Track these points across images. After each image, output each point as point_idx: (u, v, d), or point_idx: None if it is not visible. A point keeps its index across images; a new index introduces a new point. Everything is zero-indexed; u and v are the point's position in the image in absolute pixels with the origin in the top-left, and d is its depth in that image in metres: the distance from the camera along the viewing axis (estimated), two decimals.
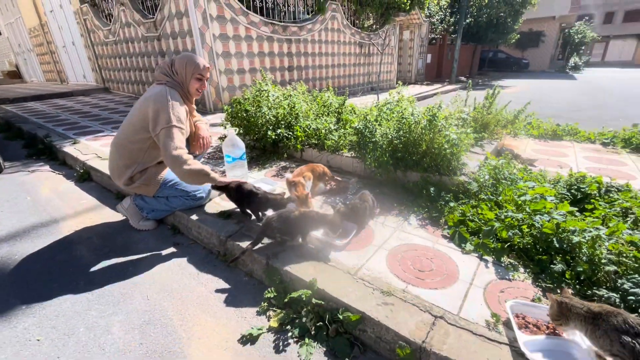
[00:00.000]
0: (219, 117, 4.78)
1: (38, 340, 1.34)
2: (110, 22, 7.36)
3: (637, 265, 1.33)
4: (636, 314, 1.16)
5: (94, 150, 3.42)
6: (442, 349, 1.14)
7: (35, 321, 1.43)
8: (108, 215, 2.39)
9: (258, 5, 6.20)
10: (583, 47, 26.27)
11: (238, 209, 2.10)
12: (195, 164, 1.81)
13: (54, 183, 3.01)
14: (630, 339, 0.98)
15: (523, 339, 1.14)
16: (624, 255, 1.39)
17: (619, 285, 1.29)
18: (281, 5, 6.74)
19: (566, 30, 25.67)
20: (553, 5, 23.14)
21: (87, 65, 9.35)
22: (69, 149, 3.53)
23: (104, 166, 2.90)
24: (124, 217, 2.28)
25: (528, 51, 25.63)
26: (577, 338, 1.14)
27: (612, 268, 1.34)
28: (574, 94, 10.21)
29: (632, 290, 1.24)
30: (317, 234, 1.77)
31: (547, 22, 24.51)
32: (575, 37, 25.40)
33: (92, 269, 1.79)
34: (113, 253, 1.93)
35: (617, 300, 1.25)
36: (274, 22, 6.39)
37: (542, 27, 24.91)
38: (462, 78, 14.94)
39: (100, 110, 5.94)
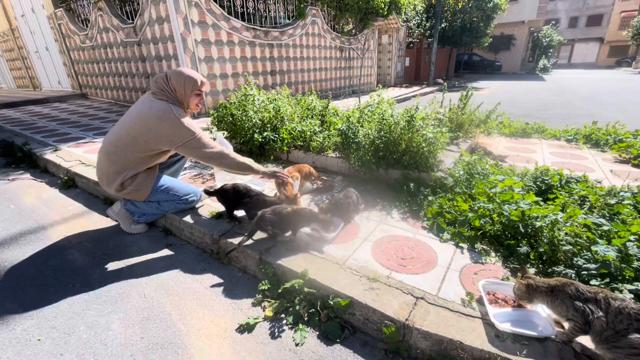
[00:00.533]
0: (203, 122, 4.80)
1: (39, 340, 1.38)
2: (87, 27, 7.22)
3: (589, 244, 1.51)
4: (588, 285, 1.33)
5: (78, 157, 3.39)
6: (423, 325, 1.27)
7: (34, 323, 1.46)
8: (97, 220, 2.40)
9: (239, 10, 6.27)
10: (551, 50, 27.70)
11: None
12: (237, 156, 2.02)
13: (37, 191, 2.97)
14: (581, 304, 1.14)
15: (493, 311, 1.29)
16: (579, 236, 1.58)
17: (574, 262, 1.47)
18: (262, 10, 6.84)
19: (535, 34, 27.03)
20: (522, 10, 24.40)
21: (62, 71, 9.09)
22: (50, 156, 3.48)
23: (89, 172, 2.89)
24: (115, 222, 2.30)
25: (500, 54, 26.80)
26: (538, 308, 1.30)
27: (569, 247, 1.52)
28: (543, 94, 10.80)
29: (584, 265, 1.42)
30: (306, 229, 1.88)
31: (517, 26, 25.74)
32: (544, 40, 26.80)
33: (87, 272, 1.82)
34: (106, 256, 1.96)
35: (573, 275, 1.42)
36: (255, 27, 6.47)
37: (513, 31, 26.14)
38: (440, 80, 15.48)
39: (79, 117, 5.82)
